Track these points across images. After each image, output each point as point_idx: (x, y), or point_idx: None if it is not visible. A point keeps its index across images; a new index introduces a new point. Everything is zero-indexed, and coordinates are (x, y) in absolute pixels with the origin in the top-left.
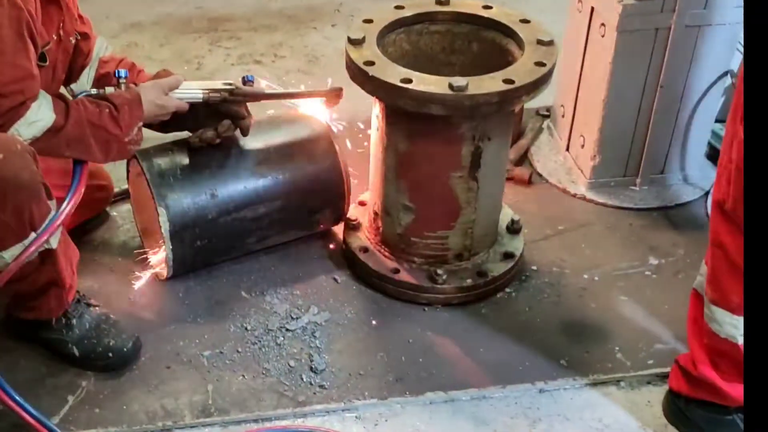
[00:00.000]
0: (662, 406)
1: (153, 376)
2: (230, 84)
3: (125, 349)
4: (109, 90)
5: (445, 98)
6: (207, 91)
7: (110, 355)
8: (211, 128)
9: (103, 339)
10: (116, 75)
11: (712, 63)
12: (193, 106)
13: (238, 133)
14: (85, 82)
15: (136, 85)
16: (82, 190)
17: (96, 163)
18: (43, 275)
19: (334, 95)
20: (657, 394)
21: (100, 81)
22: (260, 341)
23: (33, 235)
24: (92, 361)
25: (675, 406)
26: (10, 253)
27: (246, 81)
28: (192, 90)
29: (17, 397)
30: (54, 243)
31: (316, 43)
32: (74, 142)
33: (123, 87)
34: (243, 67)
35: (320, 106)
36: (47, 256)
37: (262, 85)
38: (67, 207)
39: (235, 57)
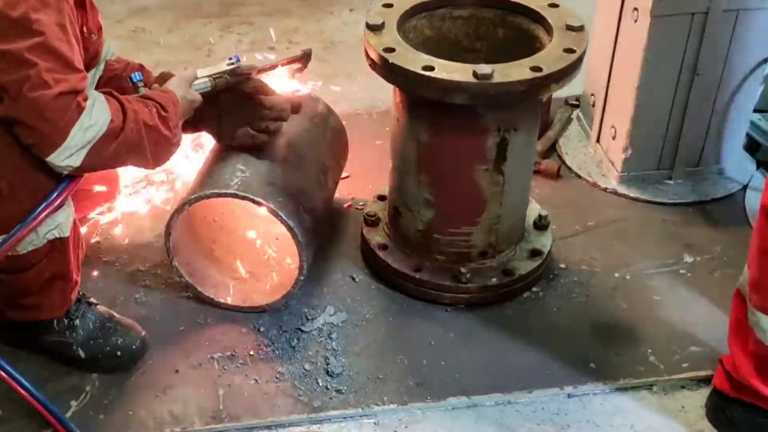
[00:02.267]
0: (705, 404)
1: (161, 381)
2: (231, 62)
3: (134, 347)
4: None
5: (469, 87)
6: (213, 78)
7: (119, 354)
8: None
9: (109, 338)
10: (132, 80)
11: (751, 49)
12: (208, 96)
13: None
14: (90, 84)
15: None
16: (58, 203)
17: (146, 169)
18: (50, 266)
19: (306, 58)
20: (692, 399)
21: (107, 84)
22: (274, 343)
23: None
24: (100, 363)
25: (716, 405)
26: None
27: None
28: (202, 80)
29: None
30: (66, 231)
31: (333, 29)
32: (132, 147)
33: (141, 91)
34: (256, 55)
35: (292, 74)
36: (59, 244)
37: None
38: (39, 216)
39: (247, 43)
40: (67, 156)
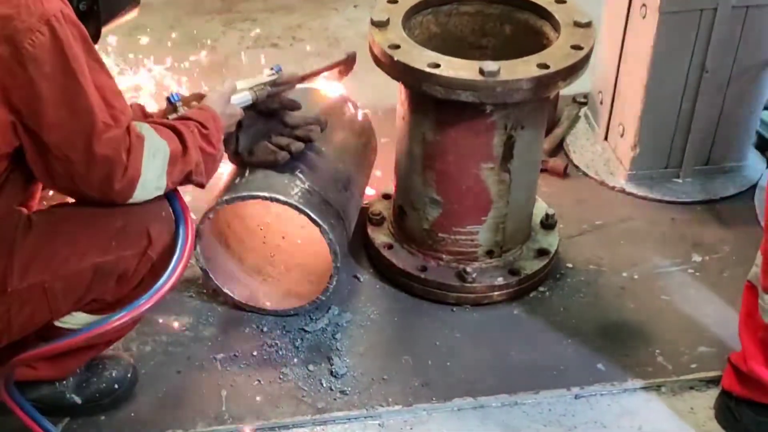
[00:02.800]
0: (714, 405)
1: (162, 382)
2: (272, 72)
3: (129, 375)
4: (174, 116)
5: (475, 84)
6: (254, 90)
7: (116, 387)
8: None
9: (102, 374)
10: (170, 100)
11: (761, 46)
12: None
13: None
14: None
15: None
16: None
17: (199, 187)
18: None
19: (351, 61)
20: (701, 400)
21: None
22: (277, 344)
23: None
24: (99, 402)
25: (725, 406)
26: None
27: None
28: (242, 93)
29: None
30: None
31: (337, 25)
32: (197, 166)
33: (180, 110)
34: (259, 51)
35: (337, 78)
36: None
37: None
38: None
39: (250, 40)
40: (152, 187)
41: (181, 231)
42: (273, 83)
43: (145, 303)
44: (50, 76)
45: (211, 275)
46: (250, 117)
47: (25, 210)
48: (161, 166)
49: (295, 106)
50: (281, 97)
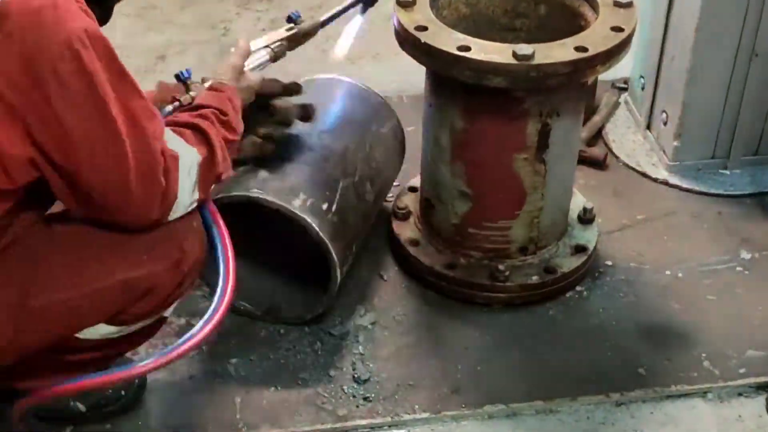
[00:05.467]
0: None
1: (172, 388)
2: (291, 27)
3: (137, 380)
4: (186, 97)
5: (508, 68)
6: (271, 48)
7: (123, 393)
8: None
9: None
10: (180, 77)
11: None
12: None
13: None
14: None
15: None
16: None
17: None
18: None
19: None
20: (749, 407)
21: None
22: (295, 347)
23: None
24: (104, 409)
25: None
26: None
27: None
28: (258, 54)
29: None
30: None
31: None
32: (225, 163)
33: (192, 90)
34: None
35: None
36: (157, 325)
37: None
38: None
39: (266, 21)
40: (186, 205)
41: (218, 244)
42: (294, 37)
43: (188, 344)
44: (76, 107)
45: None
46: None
47: (46, 219)
48: (195, 181)
49: (296, 90)
50: (264, 83)
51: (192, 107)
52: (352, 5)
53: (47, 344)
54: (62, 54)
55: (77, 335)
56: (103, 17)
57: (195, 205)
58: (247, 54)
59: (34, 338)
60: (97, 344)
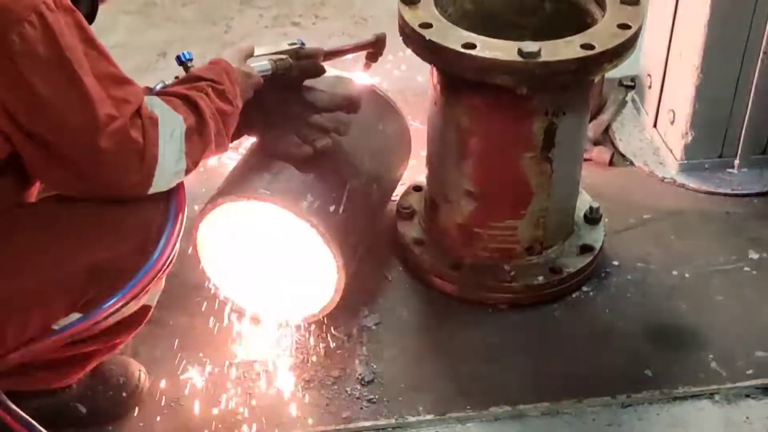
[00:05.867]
0: None
1: (175, 389)
2: (294, 43)
3: (138, 382)
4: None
5: (513, 66)
6: (273, 60)
7: (124, 395)
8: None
9: (110, 380)
10: (181, 59)
11: None
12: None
13: None
14: None
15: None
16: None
17: (219, 154)
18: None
19: (380, 44)
20: (758, 409)
21: None
22: (299, 348)
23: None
24: (106, 412)
25: None
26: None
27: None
28: (260, 60)
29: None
30: (155, 300)
31: (364, 3)
32: (219, 137)
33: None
34: (278, 30)
35: (364, 64)
36: (142, 313)
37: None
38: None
39: (269, 18)
40: (171, 173)
41: (171, 213)
42: (295, 54)
43: (117, 301)
44: (43, 69)
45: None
46: (275, 100)
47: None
48: (179, 147)
49: (319, 71)
50: (303, 64)
51: (187, 78)
52: (358, 49)
53: (24, 336)
54: (28, 17)
55: (55, 327)
56: (89, 13)
57: (181, 175)
58: (251, 53)
59: (8, 332)
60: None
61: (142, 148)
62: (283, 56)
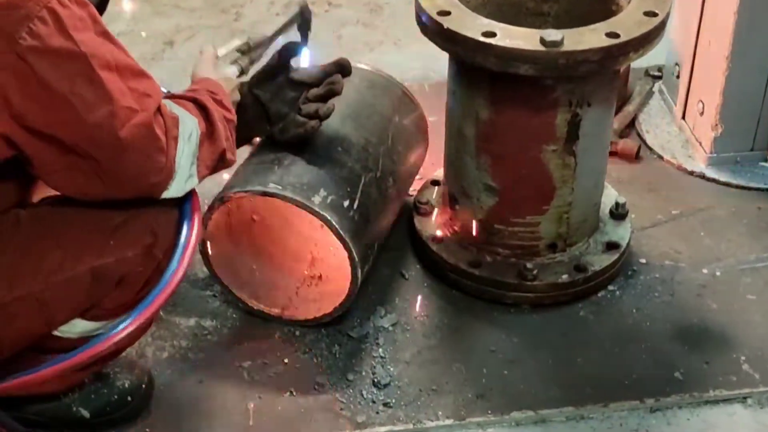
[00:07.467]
0: None
1: (182, 393)
2: (242, 37)
3: (144, 385)
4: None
5: (535, 55)
6: (237, 62)
7: (129, 399)
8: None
9: (113, 384)
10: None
11: None
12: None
13: None
14: None
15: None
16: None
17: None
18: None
19: (305, 14)
20: None
21: None
22: (311, 350)
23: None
24: (109, 416)
25: None
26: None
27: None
28: (226, 66)
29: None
30: None
31: None
32: (228, 143)
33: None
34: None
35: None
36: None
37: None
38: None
39: (279, 6)
40: (184, 178)
41: (185, 224)
42: (246, 47)
43: (140, 315)
44: (58, 66)
45: (219, 275)
46: (270, 92)
47: (17, 210)
48: (193, 151)
49: (291, 53)
50: (318, 69)
51: (180, 93)
52: (289, 24)
53: (23, 342)
54: (39, 13)
55: (57, 333)
56: (100, 3)
57: (193, 182)
58: (215, 56)
59: (7, 337)
60: (78, 343)
61: (164, 147)
62: (237, 53)
